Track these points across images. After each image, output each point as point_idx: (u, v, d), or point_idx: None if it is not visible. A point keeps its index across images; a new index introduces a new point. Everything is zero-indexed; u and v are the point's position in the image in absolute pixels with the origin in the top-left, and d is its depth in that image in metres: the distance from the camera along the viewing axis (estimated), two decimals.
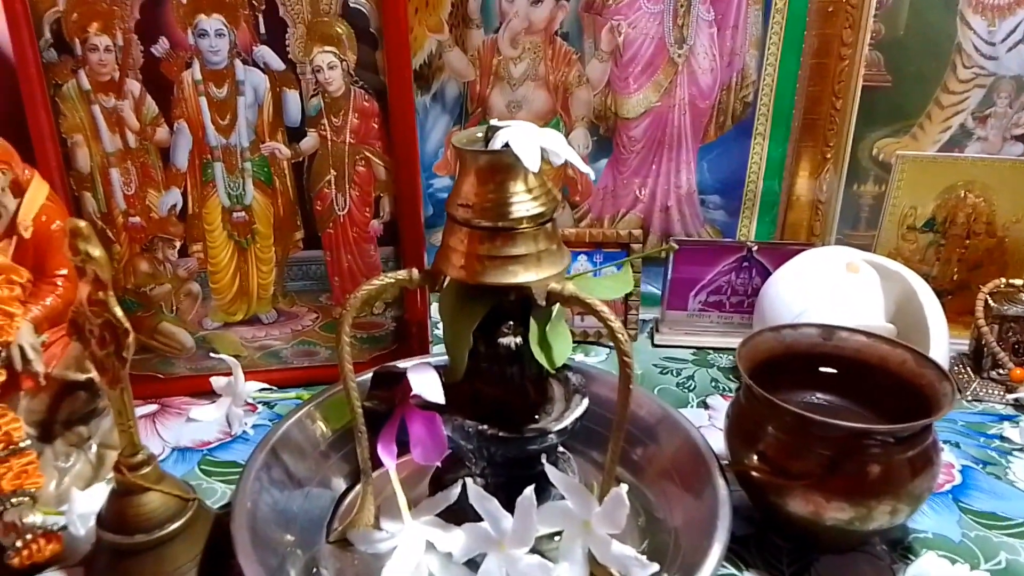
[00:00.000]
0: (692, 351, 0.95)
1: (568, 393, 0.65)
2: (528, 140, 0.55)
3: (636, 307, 0.95)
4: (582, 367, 0.77)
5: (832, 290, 0.79)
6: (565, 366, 0.65)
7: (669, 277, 0.95)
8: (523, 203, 0.56)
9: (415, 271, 0.61)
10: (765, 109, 0.94)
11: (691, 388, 0.88)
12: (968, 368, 0.89)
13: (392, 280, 0.60)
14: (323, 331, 0.87)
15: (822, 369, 0.69)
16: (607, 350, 0.96)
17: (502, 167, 0.55)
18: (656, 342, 0.97)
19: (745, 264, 0.93)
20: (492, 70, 0.98)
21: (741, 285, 0.94)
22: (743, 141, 0.96)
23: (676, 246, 0.91)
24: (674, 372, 0.91)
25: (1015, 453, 0.77)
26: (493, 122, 0.57)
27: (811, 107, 0.93)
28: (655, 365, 0.92)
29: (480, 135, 0.58)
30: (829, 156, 0.95)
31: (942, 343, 0.75)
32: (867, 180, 0.97)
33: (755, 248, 0.93)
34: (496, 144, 0.55)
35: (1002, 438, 0.79)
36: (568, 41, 0.95)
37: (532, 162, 0.54)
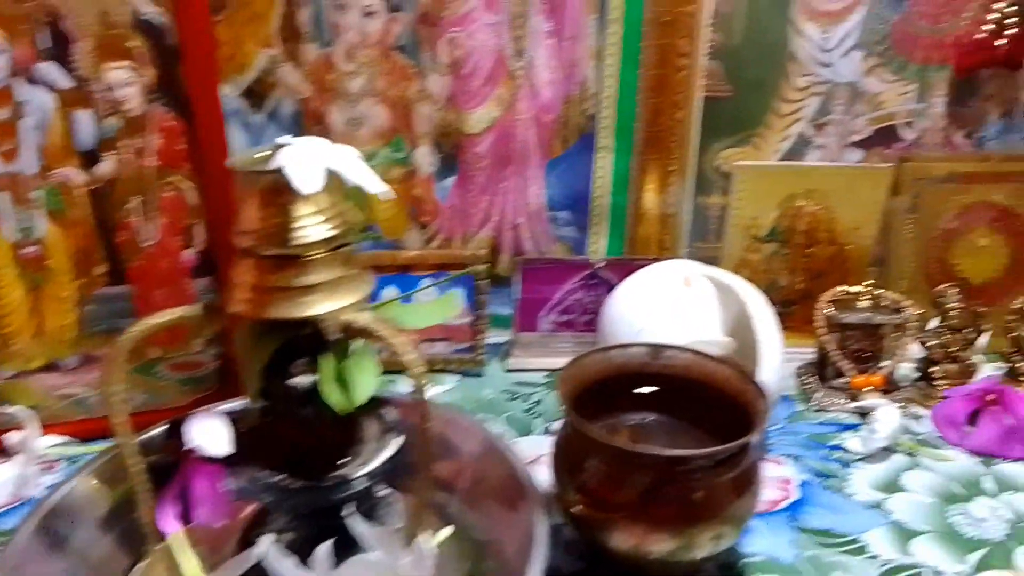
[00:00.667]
0: (545, 374, 0.92)
1: (383, 431, 0.61)
2: (308, 160, 0.50)
3: (483, 331, 0.91)
4: (410, 399, 0.73)
5: (670, 306, 0.77)
6: (382, 401, 0.61)
7: (517, 298, 0.92)
8: (313, 227, 0.51)
9: (196, 306, 0.55)
10: (608, 122, 0.92)
11: (539, 414, 0.84)
12: (814, 377, 0.89)
13: (169, 319, 0.55)
14: (136, 374, 0.79)
15: (638, 391, 0.66)
16: (458, 377, 0.91)
17: (286, 188, 0.50)
18: (509, 366, 0.93)
19: (592, 282, 0.91)
20: (328, 86, 0.92)
21: (591, 303, 0.92)
22: (588, 155, 0.94)
23: (481, 269, 0.88)
24: (524, 397, 0.87)
25: (855, 464, 0.77)
26: (281, 139, 0.52)
27: (653, 119, 0.92)
28: (505, 391, 0.89)
29: (266, 154, 0.53)
30: (674, 168, 0.94)
31: (773, 356, 0.73)
32: (714, 191, 0.96)
33: (601, 265, 0.90)
34: (275, 164, 0.50)
35: (843, 448, 0.79)
36: (406, 54, 0.91)
37: (307, 185, 0.49)
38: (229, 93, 0.91)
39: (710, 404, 0.65)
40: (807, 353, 0.91)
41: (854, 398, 0.85)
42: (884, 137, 0.94)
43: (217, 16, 0.88)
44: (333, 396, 0.53)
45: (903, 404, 0.85)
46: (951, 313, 0.86)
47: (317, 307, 0.52)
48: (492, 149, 0.94)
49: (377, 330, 0.52)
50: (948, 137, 0.94)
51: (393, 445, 0.58)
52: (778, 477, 0.74)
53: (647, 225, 0.97)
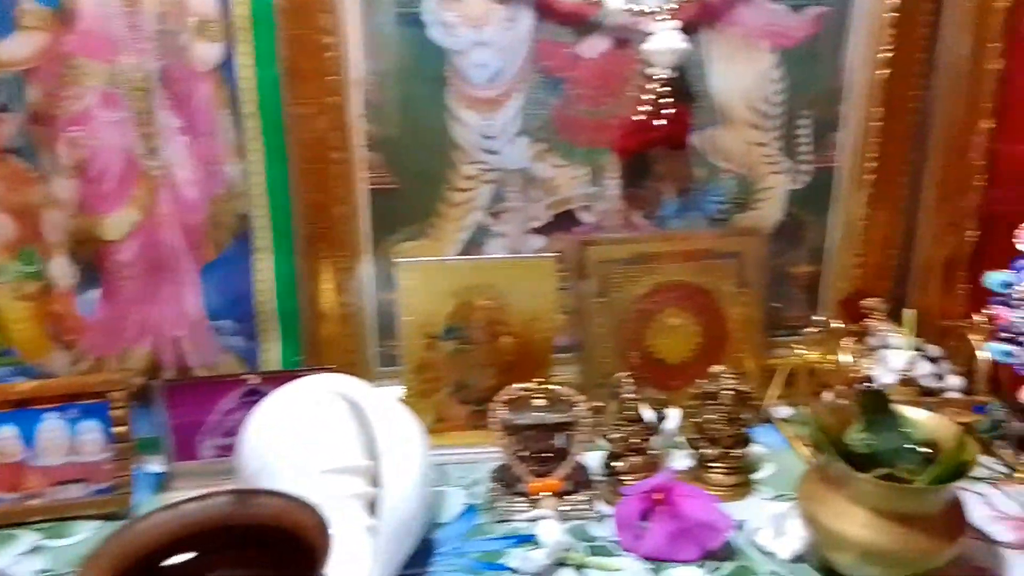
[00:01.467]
0: None
1: None
2: None
3: (127, 466, 0.79)
4: None
5: (304, 430, 0.69)
6: None
7: (166, 424, 0.81)
8: None
9: None
10: (262, 221, 0.84)
11: None
12: (501, 483, 0.83)
13: None
14: None
15: (167, 563, 0.57)
16: (95, 523, 0.79)
17: None
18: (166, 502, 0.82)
19: (254, 399, 0.81)
20: None
21: None
22: (247, 257, 0.86)
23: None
24: None
25: None
26: None
27: (316, 215, 0.85)
28: None
29: None
30: (346, 266, 0.87)
31: (403, 480, 0.66)
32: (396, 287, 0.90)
33: (256, 381, 0.81)
34: None
35: (510, 569, 0.72)
36: (23, 157, 0.80)
37: None
38: None
39: (304, 552, 0.57)
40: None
41: (536, 504, 0.79)
42: (565, 222, 0.91)
43: None
44: None
45: (586, 506, 0.80)
46: (627, 403, 0.82)
47: None
48: (138, 256, 0.84)
49: None
50: (628, 218, 0.92)
51: None
52: None
53: (328, 327, 0.89)
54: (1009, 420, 0.88)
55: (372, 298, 0.89)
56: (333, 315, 0.89)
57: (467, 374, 0.88)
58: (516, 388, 0.82)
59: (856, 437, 0.74)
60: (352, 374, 0.89)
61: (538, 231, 0.91)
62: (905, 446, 0.73)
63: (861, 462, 0.72)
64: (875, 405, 0.74)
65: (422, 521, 0.70)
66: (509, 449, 0.80)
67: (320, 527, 0.56)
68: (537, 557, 0.71)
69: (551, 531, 0.72)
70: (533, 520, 0.76)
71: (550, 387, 0.81)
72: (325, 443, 0.69)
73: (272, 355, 0.89)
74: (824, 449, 0.70)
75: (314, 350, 0.90)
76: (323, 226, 0.85)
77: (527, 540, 0.76)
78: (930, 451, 0.72)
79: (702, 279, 0.93)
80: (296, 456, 0.68)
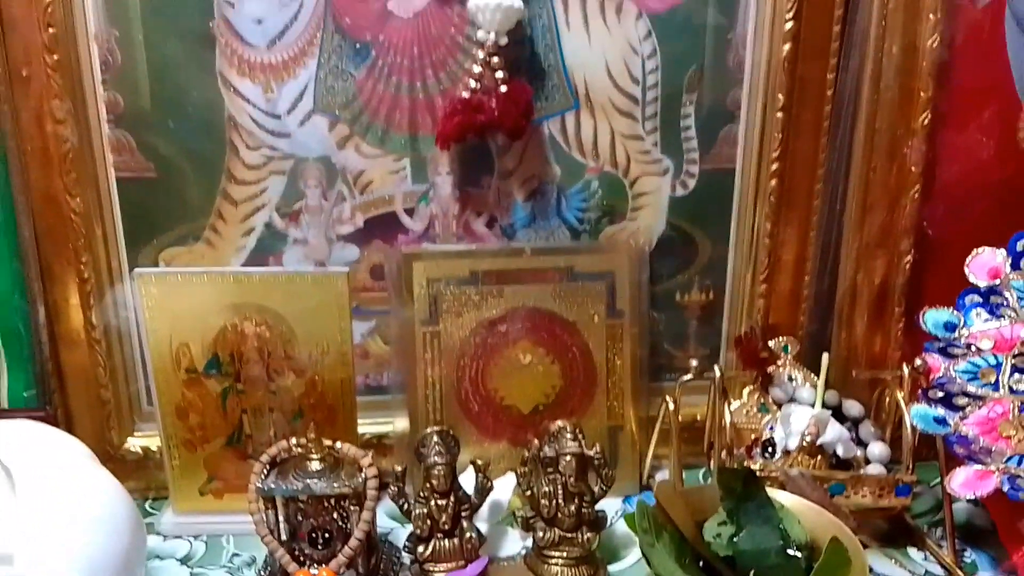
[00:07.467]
0: None
1: None
2: None
3: None
4: None
5: None
6: None
7: None
8: None
9: None
10: None
11: None
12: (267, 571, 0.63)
13: None
14: None
15: None
16: None
17: None
18: None
19: None
20: None
21: None
22: None
23: None
24: None
25: None
26: None
27: (46, 208, 0.65)
28: None
29: None
30: (89, 276, 0.68)
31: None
32: None
33: None
34: None
35: None
36: None
37: None
38: None
39: None
40: None
41: None
42: (385, 228, 0.72)
43: None
44: None
45: None
46: (435, 469, 0.62)
47: None
48: None
49: None
50: (467, 225, 0.72)
51: None
52: None
53: (73, 355, 0.70)
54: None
55: (132, 320, 0.70)
56: (79, 340, 0.69)
57: (248, 421, 0.69)
58: (285, 445, 0.62)
59: (715, 531, 0.54)
60: (106, 415, 0.71)
61: (350, 239, 0.71)
62: (780, 547, 0.53)
63: (723, 568, 0.52)
64: (742, 488, 0.54)
65: None
66: (265, 527, 0.60)
67: None
68: None
69: None
70: None
71: (327, 444, 0.62)
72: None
73: None
74: (653, 549, 0.50)
75: (57, 384, 0.70)
76: (55, 223, 0.66)
77: None
78: (809, 555, 0.52)
79: (562, 306, 0.73)
80: None
